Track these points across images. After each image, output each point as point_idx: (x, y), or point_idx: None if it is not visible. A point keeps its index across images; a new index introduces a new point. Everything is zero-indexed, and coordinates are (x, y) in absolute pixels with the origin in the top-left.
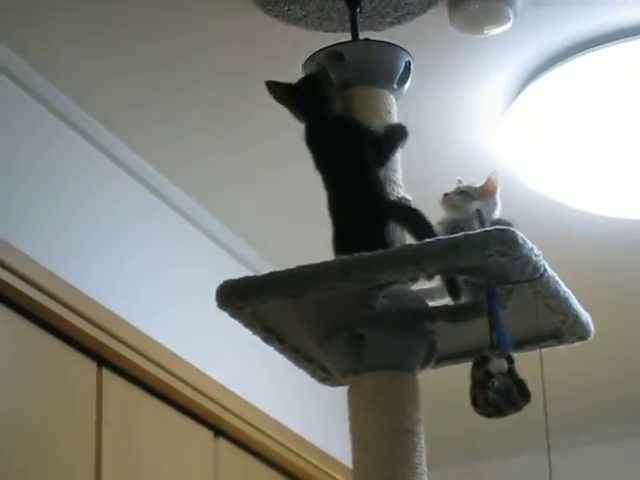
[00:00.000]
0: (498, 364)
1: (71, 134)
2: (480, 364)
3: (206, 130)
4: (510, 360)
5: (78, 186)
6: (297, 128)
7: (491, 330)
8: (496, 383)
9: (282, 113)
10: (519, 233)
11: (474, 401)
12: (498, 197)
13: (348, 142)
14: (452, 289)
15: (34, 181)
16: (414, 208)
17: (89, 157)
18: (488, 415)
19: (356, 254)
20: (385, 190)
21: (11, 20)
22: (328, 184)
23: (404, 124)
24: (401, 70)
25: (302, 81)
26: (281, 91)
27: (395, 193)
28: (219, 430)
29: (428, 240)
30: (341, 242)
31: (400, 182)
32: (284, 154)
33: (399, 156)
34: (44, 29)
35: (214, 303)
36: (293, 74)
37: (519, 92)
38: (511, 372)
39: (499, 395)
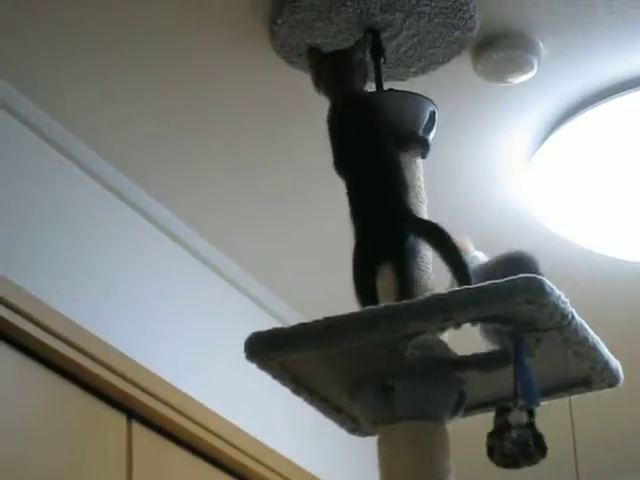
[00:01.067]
0: (518, 416)
1: (91, 183)
2: (500, 414)
3: (229, 176)
4: (531, 413)
5: (100, 236)
6: (321, 174)
7: (515, 379)
8: (514, 435)
9: (306, 160)
10: (546, 280)
11: (490, 451)
12: (472, 251)
13: (367, 122)
14: None
15: (55, 233)
16: (442, 228)
17: (110, 206)
18: (504, 466)
19: (383, 304)
20: (408, 192)
21: (24, 65)
22: (346, 178)
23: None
24: (426, 120)
25: (335, 52)
26: (315, 58)
27: None
28: None
29: (455, 289)
30: (361, 249)
31: None
32: (310, 200)
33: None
34: (59, 74)
35: (241, 353)
36: (316, 124)
37: (544, 139)
38: (530, 425)
39: (515, 447)
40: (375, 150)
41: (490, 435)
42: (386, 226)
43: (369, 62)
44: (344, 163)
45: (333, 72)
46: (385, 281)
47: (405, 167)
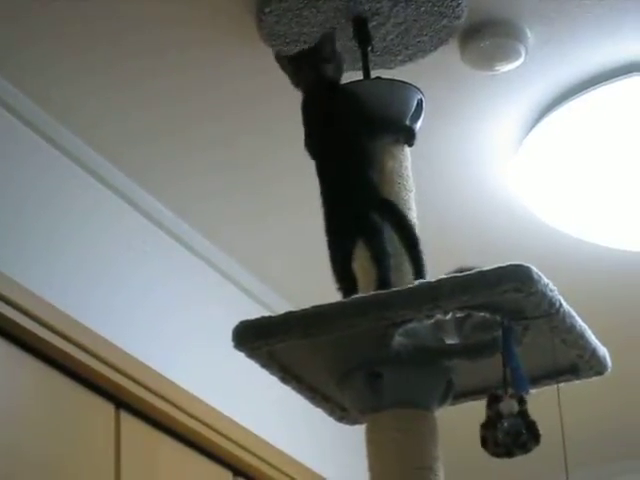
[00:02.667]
0: (509, 405)
1: (82, 175)
2: (492, 404)
3: (219, 168)
4: (522, 401)
5: (91, 228)
6: (312, 166)
7: (505, 368)
8: (506, 424)
9: (298, 151)
10: (534, 269)
11: (484, 441)
12: None
13: (340, 108)
14: None
15: (47, 224)
16: (395, 206)
17: (101, 198)
18: (497, 455)
19: (372, 292)
20: (374, 173)
21: (19, 60)
22: (315, 159)
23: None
24: (413, 108)
25: (301, 50)
26: (284, 62)
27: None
28: (238, 470)
29: (444, 277)
30: (330, 231)
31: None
32: (299, 192)
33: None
34: (53, 69)
35: (230, 343)
36: None
37: (531, 127)
38: (522, 413)
39: (508, 436)
40: (342, 134)
41: (483, 426)
42: (349, 206)
43: (341, 54)
44: (313, 145)
45: (305, 63)
46: (361, 261)
47: (389, 154)
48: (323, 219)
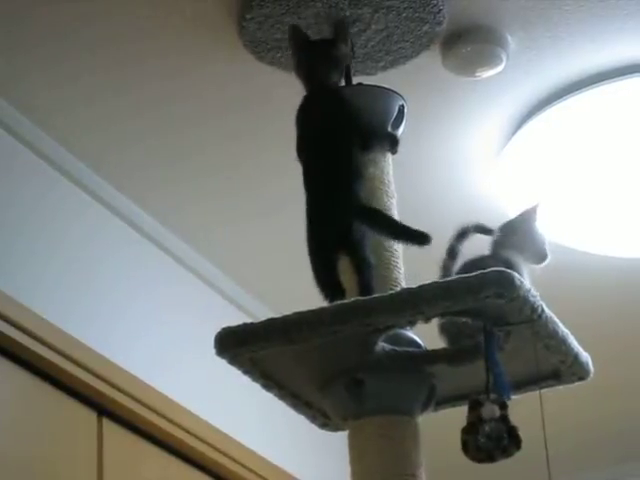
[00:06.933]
0: (490, 410)
1: (65, 182)
2: (473, 409)
3: (201, 175)
4: (503, 406)
5: (74, 235)
6: (292, 171)
7: (487, 373)
8: (487, 429)
9: (278, 157)
10: (516, 274)
11: (465, 446)
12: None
13: (337, 121)
14: None
15: (31, 232)
16: (384, 213)
17: (84, 205)
18: (479, 460)
19: (353, 299)
20: (360, 182)
21: (7, 71)
22: (303, 165)
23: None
24: (395, 114)
25: (317, 41)
26: (298, 39)
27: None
28: (221, 478)
29: (425, 283)
30: (313, 240)
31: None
32: (281, 198)
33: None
34: (35, 77)
35: (213, 350)
36: (287, 120)
37: (513, 133)
38: (503, 418)
39: (490, 441)
40: (332, 141)
41: (464, 430)
42: (331, 215)
43: (350, 53)
44: (303, 151)
45: (311, 61)
46: (346, 272)
47: (371, 161)
48: (306, 228)
